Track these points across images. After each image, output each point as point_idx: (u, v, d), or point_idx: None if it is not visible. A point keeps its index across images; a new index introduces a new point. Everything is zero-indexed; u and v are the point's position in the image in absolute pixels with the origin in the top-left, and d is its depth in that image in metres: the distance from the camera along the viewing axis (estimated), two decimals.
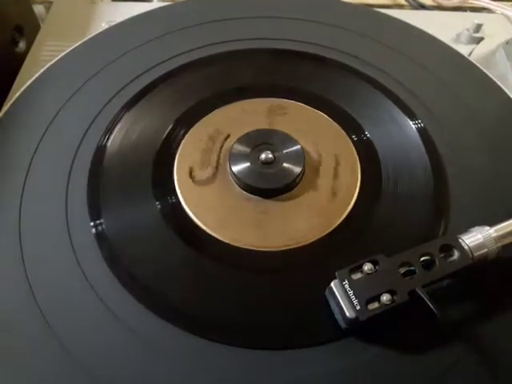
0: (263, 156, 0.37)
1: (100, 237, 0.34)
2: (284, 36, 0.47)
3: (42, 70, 0.44)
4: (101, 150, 0.39)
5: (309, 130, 0.40)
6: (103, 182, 0.37)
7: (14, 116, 0.41)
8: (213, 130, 0.40)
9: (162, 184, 0.37)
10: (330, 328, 0.30)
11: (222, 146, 0.39)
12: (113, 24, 0.49)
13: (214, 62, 0.45)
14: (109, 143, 0.39)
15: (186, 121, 0.40)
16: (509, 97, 0.43)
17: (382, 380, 0.29)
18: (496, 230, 0.31)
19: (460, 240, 0.31)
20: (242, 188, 0.37)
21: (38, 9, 0.59)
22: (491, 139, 0.40)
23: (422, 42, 0.48)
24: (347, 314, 0.28)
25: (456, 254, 0.30)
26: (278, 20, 0.48)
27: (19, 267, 0.32)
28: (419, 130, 0.40)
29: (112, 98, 0.42)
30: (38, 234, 0.34)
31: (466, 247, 0.30)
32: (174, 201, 0.36)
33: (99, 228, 0.34)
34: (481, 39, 0.53)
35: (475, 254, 0.30)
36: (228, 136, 0.39)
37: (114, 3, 0.57)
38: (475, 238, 0.31)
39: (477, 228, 0.31)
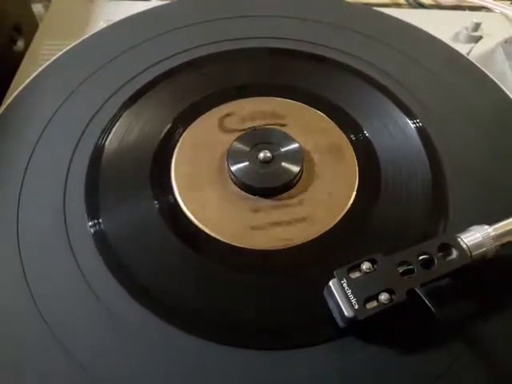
0: (262, 155, 0.37)
1: (98, 236, 0.34)
2: (283, 35, 0.47)
3: (40, 69, 0.44)
4: (99, 149, 0.38)
5: (307, 129, 0.40)
6: (101, 182, 0.37)
7: (13, 115, 0.41)
8: (211, 129, 0.40)
9: (161, 183, 0.37)
10: (329, 327, 0.30)
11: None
12: (111, 23, 0.49)
13: (213, 60, 0.45)
14: (107, 142, 0.39)
15: (185, 119, 0.40)
16: (507, 95, 0.43)
17: (381, 379, 0.29)
18: (495, 229, 0.31)
19: (459, 239, 0.30)
20: (240, 187, 0.37)
21: (37, 8, 0.59)
22: (490, 138, 0.40)
23: (421, 41, 0.48)
24: (345, 313, 0.28)
25: (455, 253, 0.30)
26: (277, 19, 0.48)
27: (17, 266, 0.32)
28: (418, 129, 0.40)
29: (110, 96, 0.41)
30: (36, 233, 0.34)
31: (464, 246, 0.30)
32: (172, 200, 0.36)
33: (97, 227, 0.34)
34: (479, 38, 0.53)
35: (474, 253, 0.30)
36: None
37: (113, 2, 0.57)
38: (474, 237, 0.30)
39: (475, 227, 0.31)
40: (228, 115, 0.41)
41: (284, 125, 0.40)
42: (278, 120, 0.40)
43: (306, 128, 0.40)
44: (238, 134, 0.38)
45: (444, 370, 0.29)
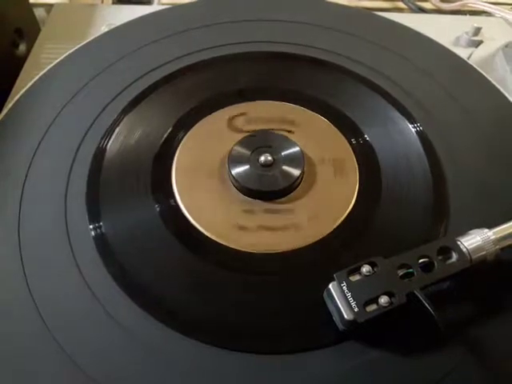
0: (262, 158, 0.37)
1: (99, 239, 0.34)
2: (283, 39, 0.47)
3: (41, 73, 0.44)
4: (100, 152, 0.39)
5: (308, 133, 0.40)
6: (102, 185, 0.37)
7: (14, 118, 0.41)
8: (213, 132, 0.40)
9: (161, 187, 0.37)
10: (328, 330, 0.30)
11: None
12: (113, 27, 0.49)
13: (214, 64, 0.45)
14: (108, 146, 0.39)
15: (185, 123, 0.41)
16: (508, 100, 0.43)
17: (381, 383, 0.29)
18: (495, 233, 0.31)
19: (458, 242, 0.30)
20: (240, 191, 0.37)
21: (39, 11, 0.59)
22: (490, 142, 0.40)
23: (422, 46, 0.48)
24: (345, 316, 0.28)
25: (454, 257, 0.30)
26: (277, 23, 0.48)
27: (18, 269, 0.32)
28: (418, 133, 0.40)
29: (111, 100, 0.42)
30: (37, 237, 0.34)
31: (464, 250, 0.30)
32: (172, 204, 0.36)
33: (98, 231, 0.34)
34: (480, 42, 0.54)
35: (474, 257, 0.30)
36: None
37: (115, 6, 0.57)
38: (474, 241, 0.30)
39: (475, 230, 0.31)
40: (229, 119, 0.41)
41: (288, 130, 0.40)
42: (279, 123, 0.41)
43: (306, 132, 0.40)
44: (240, 137, 0.39)
45: (444, 373, 0.29)
